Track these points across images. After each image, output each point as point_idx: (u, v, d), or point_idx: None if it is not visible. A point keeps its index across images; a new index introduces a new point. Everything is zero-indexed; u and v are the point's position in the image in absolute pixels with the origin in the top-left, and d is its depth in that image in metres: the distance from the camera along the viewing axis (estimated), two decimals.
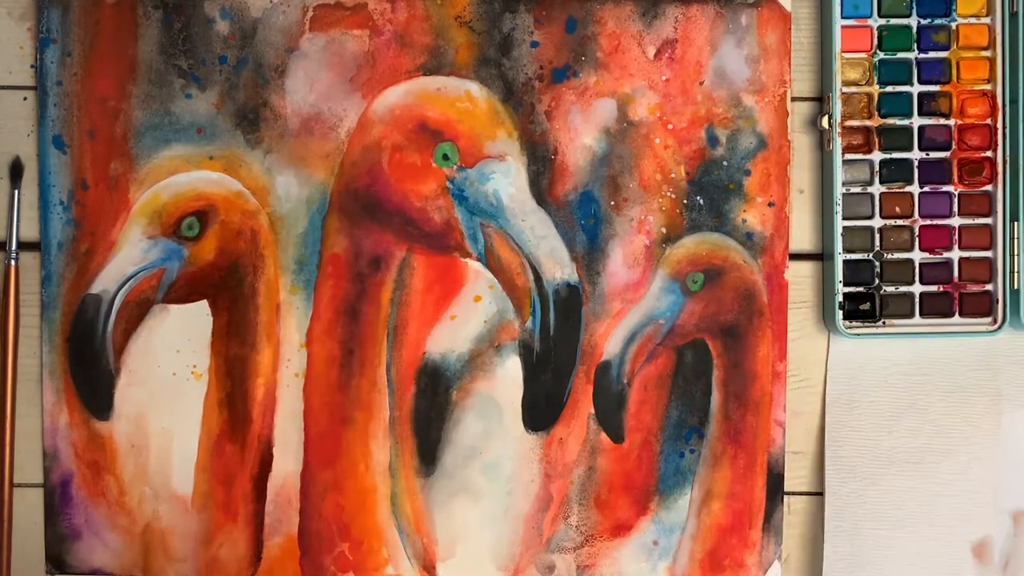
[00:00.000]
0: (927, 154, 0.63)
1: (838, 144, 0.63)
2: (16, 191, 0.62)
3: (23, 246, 0.63)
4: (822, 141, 0.64)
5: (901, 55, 0.63)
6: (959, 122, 0.63)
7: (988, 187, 0.63)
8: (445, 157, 0.63)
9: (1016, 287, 0.63)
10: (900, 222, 0.63)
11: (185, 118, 0.63)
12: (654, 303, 0.64)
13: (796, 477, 0.65)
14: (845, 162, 0.63)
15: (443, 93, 0.63)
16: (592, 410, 0.64)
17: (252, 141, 0.63)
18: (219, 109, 0.63)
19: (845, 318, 0.63)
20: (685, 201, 0.64)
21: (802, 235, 0.65)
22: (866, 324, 0.63)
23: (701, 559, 0.64)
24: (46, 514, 0.63)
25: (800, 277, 0.65)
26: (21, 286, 0.63)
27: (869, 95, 0.63)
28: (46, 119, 0.62)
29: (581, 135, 0.64)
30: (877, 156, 0.63)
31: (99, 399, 0.63)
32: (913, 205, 0.63)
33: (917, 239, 0.63)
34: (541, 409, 0.64)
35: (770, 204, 0.64)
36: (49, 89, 0.62)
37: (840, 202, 0.63)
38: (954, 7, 0.63)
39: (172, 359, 0.63)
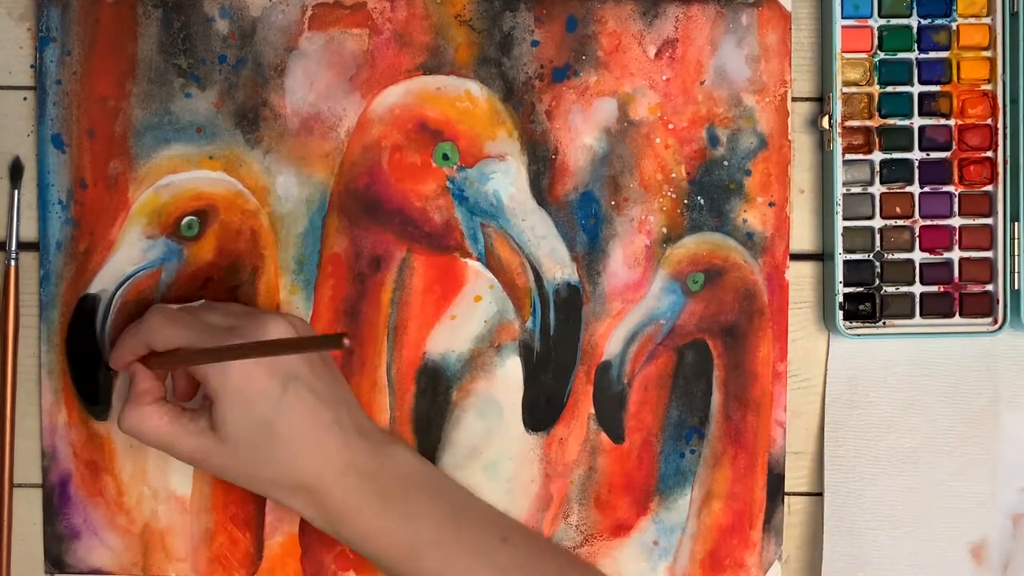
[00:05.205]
0: (927, 154, 0.63)
1: (838, 144, 0.63)
2: (16, 191, 0.62)
3: (22, 246, 0.62)
4: (822, 141, 0.64)
5: (901, 55, 0.63)
6: (959, 122, 0.63)
7: (988, 187, 0.63)
8: (445, 157, 0.63)
9: (1016, 287, 0.63)
10: (900, 222, 0.63)
11: (185, 117, 0.62)
12: (654, 303, 0.64)
13: (796, 477, 0.65)
14: (845, 162, 0.63)
15: (443, 92, 0.63)
16: (592, 410, 0.64)
17: (252, 141, 0.63)
18: (219, 108, 0.62)
19: (845, 318, 0.63)
20: (686, 201, 0.64)
21: (803, 235, 0.65)
22: (866, 324, 0.63)
23: (701, 559, 0.64)
24: (45, 514, 0.63)
25: (800, 277, 0.65)
26: (20, 286, 0.62)
27: (869, 95, 0.63)
28: (45, 118, 0.62)
29: (581, 135, 0.63)
30: (877, 156, 0.63)
31: (98, 399, 0.63)
32: (913, 205, 0.63)
33: (917, 239, 0.63)
34: (541, 409, 0.64)
35: (771, 204, 0.64)
36: (48, 88, 0.62)
37: (840, 202, 0.63)
38: (954, 7, 0.63)
39: None
